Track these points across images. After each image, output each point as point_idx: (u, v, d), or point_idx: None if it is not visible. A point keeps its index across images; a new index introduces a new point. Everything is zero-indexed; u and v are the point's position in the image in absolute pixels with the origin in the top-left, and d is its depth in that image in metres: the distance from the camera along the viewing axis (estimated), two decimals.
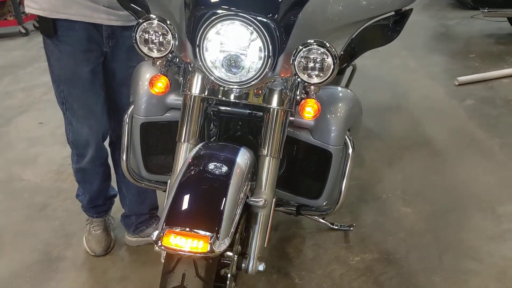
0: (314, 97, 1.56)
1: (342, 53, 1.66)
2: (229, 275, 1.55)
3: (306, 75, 1.49)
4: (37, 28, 6.47)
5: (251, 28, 1.44)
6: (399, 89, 4.02)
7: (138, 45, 1.51)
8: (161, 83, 1.60)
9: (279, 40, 1.49)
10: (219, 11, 1.44)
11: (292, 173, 1.84)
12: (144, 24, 1.49)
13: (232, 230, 1.39)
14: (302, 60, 1.47)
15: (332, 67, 1.46)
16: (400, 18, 1.76)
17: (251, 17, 1.43)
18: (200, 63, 1.52)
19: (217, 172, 1.45)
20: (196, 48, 1.51)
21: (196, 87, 1.62)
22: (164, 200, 1.66)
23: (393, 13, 1.74)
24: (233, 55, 1.48)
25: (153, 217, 2.40)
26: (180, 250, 1.30)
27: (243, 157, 1.56)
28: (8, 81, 4.77)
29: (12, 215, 2.68)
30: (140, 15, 1.71)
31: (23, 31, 6.27)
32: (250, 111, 1.72)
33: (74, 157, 2.24)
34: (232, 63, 1.50)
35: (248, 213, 1.65)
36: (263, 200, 1.59)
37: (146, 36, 1.51)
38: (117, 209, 2.49)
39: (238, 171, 1.48)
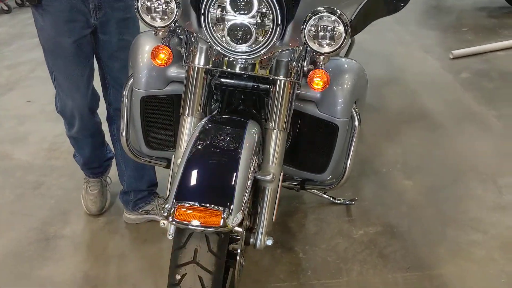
0: (323, 67, 1.52)
1: (352, 20, 1.61)
2: (239, 251, 1.52)
3: (316, 44, 1.44)
4: (20, 5, 6.30)
5: None
6: (394, 63, 3.98)
7: (140, 13, 1.45)
8: (164, 54, 1.54)
9: (288, 8, 1.44)
10: None
11: (297, 147, 1.80)
12: None
13: (244, 204, 1.36)
14: (312, 28, 1.42)
15: (343, 35, 1.41)
16: None
17: None
18: (205, 32, 1.47)
19: (226, 146, 1.41)
20: (201, 17, 1.45)
21: (199, 59, 1.56)
22: (169, 176, 1.62)
23: None
24: (240, 24, 1.43)
25: (151, 193, 2.35)
26: (193, 225, 1.27)
27: (251, 131, 1.52)
28: None
29: (6, 194, 2.62)
30: None
31: (6, 8, 6.10)
32: (254, 84, 1.67)
33: (66, 125, 2.25)
34: (239, 32, 1.45)
35: (256, 188, 1.61)
36: (271, 175, 1.56)
37: (149, 4, 1.45)
38: (115, 185, 2.46)
39: (248, 145, 1.44)
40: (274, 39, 1.44)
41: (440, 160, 2.71)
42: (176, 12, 1.44)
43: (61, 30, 1.92)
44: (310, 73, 1.52)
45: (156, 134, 1.86)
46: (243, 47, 1.46)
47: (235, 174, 1.34)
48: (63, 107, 2.13)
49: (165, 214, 1.29)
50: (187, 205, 1.28)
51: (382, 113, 3.23)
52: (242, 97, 1.84)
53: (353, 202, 2.38)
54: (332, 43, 1.44)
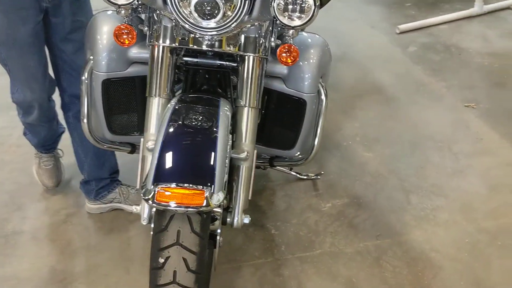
0: (291, 42, 1.52)
1: None
2: (219, 230, 1.50)
3: (286, 18, 1.43)
4: None
5: None
6: (343, 39, 4.02)
7: None
8: (128, 34, 1.49)
9: None
10: None
11: (265, 124, 1.79)
12: None
13: (224, 183, 1.34)
14: (281, 1, 1.41)
15: (313, 7, 1.42)
16: None
17: None
18: (171, 9, 1.42)
19: (201, 125, 1.39)
20: None
21: (164, 37, 1.52)
22: (139, 160, 1.57)
23: None
24: None
25: (114, 181, 2.28)
26: (175, 206, 1.23)
27: (224, 109, 1.50)
28: None
29: None
30: None
31: None
32: (220, 62, 1.64)
33: (20, 111, 2.13)
34: (207, 7, 1.41)
35: (230, 167, 1.59)
36: (246, 153, 1.54)
37: None
38: (75, 173, 2.37)
39: (223, 123, 1.42)
40: (243, 13, 1.42)
41: (396, 131, 2.79)
42: None
43: (13, 20, 1.80)
44: (279, 48, 1.52)
45: (119, 119, 1.80)
46: (211, 23, 1.42)
47: (213, 153, 1.32)
48: (21, 98, 2.01)
49: (145, 197, 1.25)
50: (168, 186, 1.24)
51: (336, 89, 3.26)
52: (207, 76, 1.80)
53: (319, 177, 2.41)
54: (302, 16, 1.43)
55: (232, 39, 1.52)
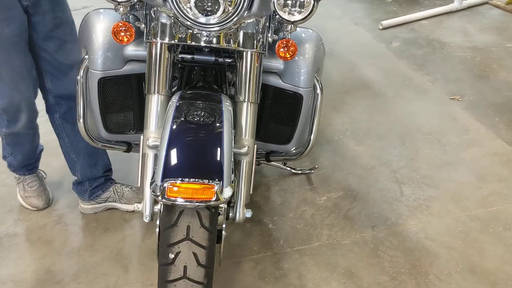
0: (289, 36, 1.53)
1: None
2: (224, 225, 1.51)
3: (286, 13, 1.45)
4: None
5: None
6: (328, 36, 4.04)
7: None
8: (127, 31, 1.48)
9: None
10: None
11: (261, 119, 1.80)
12: None
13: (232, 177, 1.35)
14: None
15: (312, 2, 1.43)
16: None
17: None
18: (171, 6, 1.42)
19: (206, 121, 1.40)
20: None
21: (162, 34, 1.51)
22: (139, 158, 1.57)
23: None
24: None
25: (108, 180, 2.26)
26: (186, 201, 1.24)
27: (226, 104, 1.51)
28: None
29: None
30: None
31: None
32: (217, 58, 1.65)
33: (4, 122, 2.04)
34: (208, 3, 1.41)
35: None
36: (246, 147, 1.55)
37: None
38: (65, 174, 2.33)
39: (227, 118, 1.43)
40: (243, 9, 1.43)
41: (385, 125, 2.83)
42: None
43: (0, 20, 1.75)
44: (278, 43, 1.53)
45: (115, 117, 1.79)
46: (212, 19, 1.43)
47: (220, 148, 1.33)
48: (8, 101, 1.93)
49: (155, 193, 1.25)
50: (178, 182, 1.24)
51: (325, 85, 3.24)
52: (203, 72, 1.81)
53: (312, 171, 2.43)
54: (302, 10, 1.45)
55: (230, 35, 1.52)
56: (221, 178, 1.27)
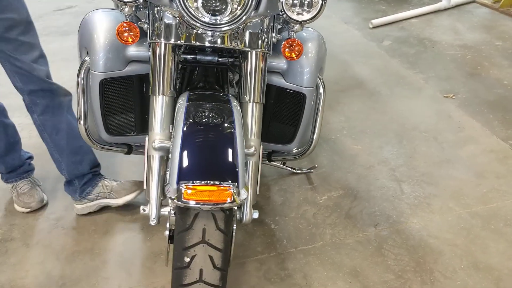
0: (295, 36, 1.54)
1: None
2: (235, 227, 1.49)
3: (295, 13, 1.45)
4: None
5: None
6: None
7: None
8: (132, 31, 1.46)
9: None
10: None
11: (264, 119, 1.79)
12: None
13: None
14: None
15: (320, 1, 1.43)
16: None
17: None
18: (178, 6, 1.40)
19: (218, 121, 1.38)
20: None
21: (166, 34, 1.49)
22: (144, 160, 1.54)
23: None
24: None
25: (96, 175, 2.23)
26: (203, 204, 1.22)
27: (234, 105, 1.49)
28: None
29: None
30: None
31: None
32: (220, 58, 1.63)
33: None
34: (216, 3, 1.39)
35: None
36: (253, 148, 1.54)
37: None
38: (60, 178, 2.27)
39: (237, 119, 1.42)
40: (251, 9, 1.41)
41: (381, 123, 2.84)
42: None
43: None
44: (284, 43, 1.54)
45: (116, 119, 1.76)
46: (219, 19, 1.41)
47: (233, 149, 1.32)
48: None
49: (172, 196, 1.22)
50: (194, 184, 1.23)
51: None
52: (204, 73, 1.80)
53: (312, 170, 2.43)
54: (310, 10, 1.45)
55: (234, 35, 1.51)
56: (236, 180, 1.25)
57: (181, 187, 1.21)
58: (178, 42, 1.50)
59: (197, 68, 1.81)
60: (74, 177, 2.17)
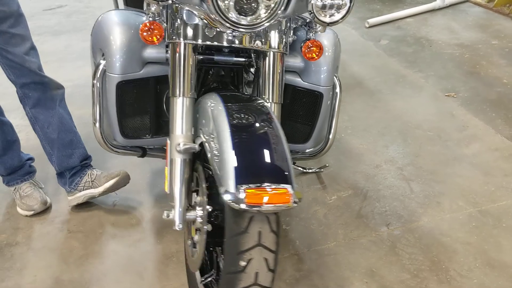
0: (315, 37, 1.54)
1: None
2: None
3: (325, 15, 1.44)
4: None
5: None
6: None
7: None
8: (155, 30, 1.43)
9: None
10: None
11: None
12: None
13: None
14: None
15: (348, 4, 1.43)
16: None
17: None
18: (209, 5, 1.35)
19: (262, 123, 1.35)
20: None
21: (187, 34, 1.46)
22: (167, 163, 1.51)
23: None
24: None
25: (86, 166, 2.22)
26: (266, 207, 1.18)
27: (267, 105, 1.47)
28: None
29: None
30: None
31: None
32: (238, 58, 1.62)
33: None
34: (249, 3, 1.36)
35: None
36: None
37: None
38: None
39: (277, 119, 1.39)
40: (281, 9, 1.39)
41: (385, 122, 2.83)
42: None
43: None
44: (304, 44, 1.55)
45: (132, 122, 1.72)
46: (250, 20, 1.38)
47: (283, 150, 1.28)
48: None
49: (232, 201, 1.18)
50: (254, 187, 1.18)
51: None
52: (219, 73, 1.77)
53: (323, 170, 2.41)
54: (338, 12, 1.45)
55: (253, 36, 1.49)
56: (290, 181, 1.22)
57: (241, 191, 1.18)
58: (200, 42, 1.47)
59: (212, 69, 1.78)
60: (64, 169, 2.17)
